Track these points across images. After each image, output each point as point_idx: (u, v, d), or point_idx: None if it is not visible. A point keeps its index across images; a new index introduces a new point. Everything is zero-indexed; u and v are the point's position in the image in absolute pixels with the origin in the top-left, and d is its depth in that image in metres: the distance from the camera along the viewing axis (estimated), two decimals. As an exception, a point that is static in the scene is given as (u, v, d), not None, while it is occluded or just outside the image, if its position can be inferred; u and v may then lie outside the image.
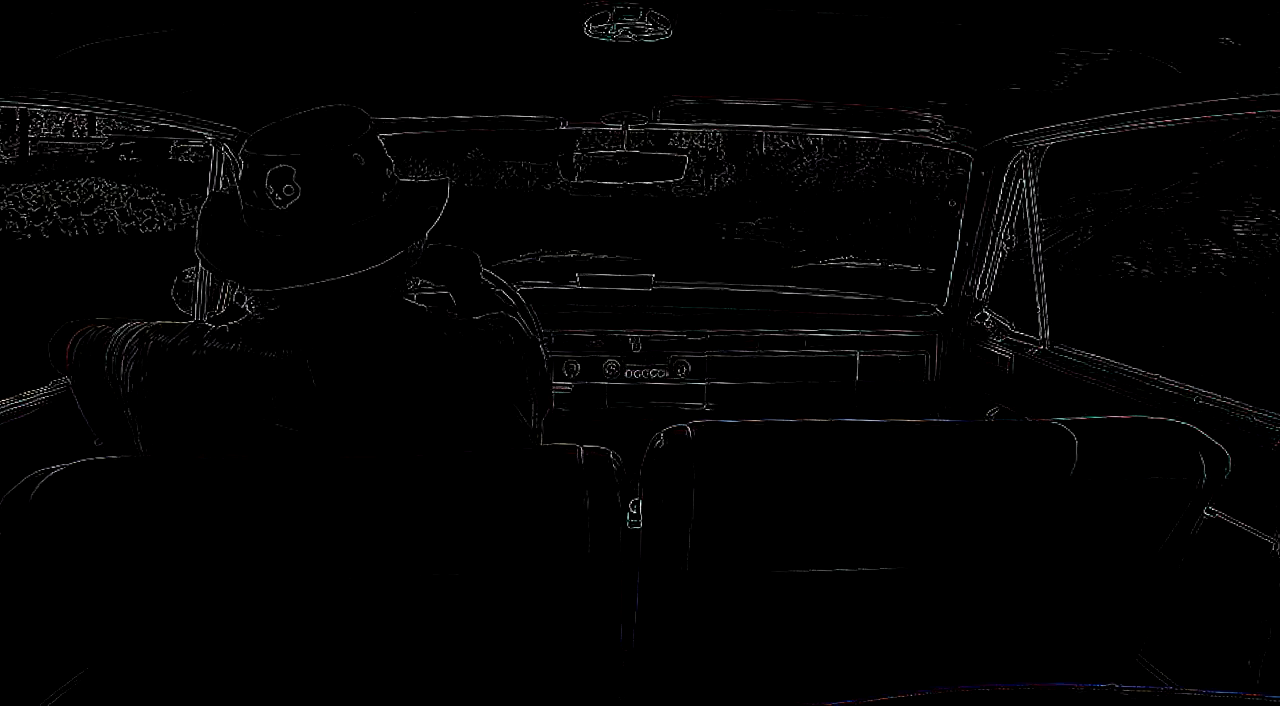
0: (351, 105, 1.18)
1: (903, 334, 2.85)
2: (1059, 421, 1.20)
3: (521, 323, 1.28)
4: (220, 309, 2.46)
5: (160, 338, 1.14)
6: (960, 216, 2.74)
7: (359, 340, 1.12)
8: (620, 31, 1.44)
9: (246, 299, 1.15)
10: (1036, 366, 2.37)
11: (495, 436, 1.17)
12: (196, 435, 1.11)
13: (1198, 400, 1.72)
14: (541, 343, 1.35)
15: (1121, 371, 2.01)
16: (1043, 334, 2.41)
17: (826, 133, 2.64)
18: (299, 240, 1.10)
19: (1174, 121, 1.74)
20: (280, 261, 1.10)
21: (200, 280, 2.39)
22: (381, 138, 1.20)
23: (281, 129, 1.11)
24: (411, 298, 1.26)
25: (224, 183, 2.36)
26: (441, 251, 1.64)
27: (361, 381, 1.11)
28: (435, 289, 2.65)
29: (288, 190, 1.08)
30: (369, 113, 1.19)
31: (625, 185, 2.55)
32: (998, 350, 2.60)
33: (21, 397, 1.66)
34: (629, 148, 2.48)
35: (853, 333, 2.83)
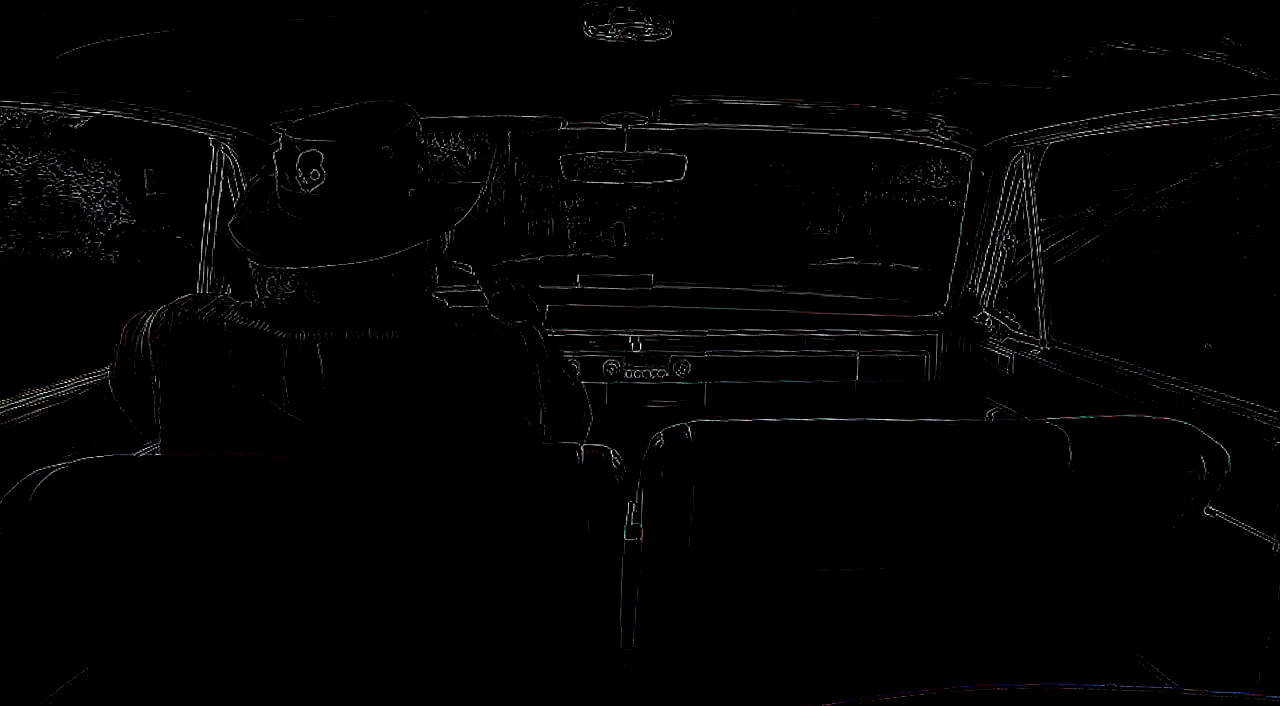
0: (399, 100, 1.21)
1: (903, 334, 2.85)
2: (1051, 421, 1.20)
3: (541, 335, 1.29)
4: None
5: (188, 308, 1.17)
6: (961, 217, 2.75)
7: (370, 330, 1.13)
8: (620, 32, 1.44)
9: (266, 281, 1.16)
10: (1036, 366, 2.38)
11: (499, 436, 1.18)
12: (208, 405, 1.13)
13: (1198, 399, 1.72)
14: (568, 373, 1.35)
15: (1122, 371, 2.01)
16: (1043, 334, 2.41)
17: (826, 133, 2.64)
18: (317, 224, 1.13)
19: (1174, 121, 1.75)
20: (293, 242, 1.12)
21: (199, 281, 2.39)
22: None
23: (322, 117, 1.15)
24: (439, 294, 1.27)
25: (224, 183, 2.36)
26: (514, 296, 1.62)
27: (368, 371, 1.12)
28: (467, 289, 2.67)
29: (314, 174, 1.12)
30: None
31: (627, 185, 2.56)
32: (998, 350, 2.60)
33: (21, 397, 1.67)
34: (629, 148, 2.49)
35: (853, 332, 2.83)
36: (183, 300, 1.20)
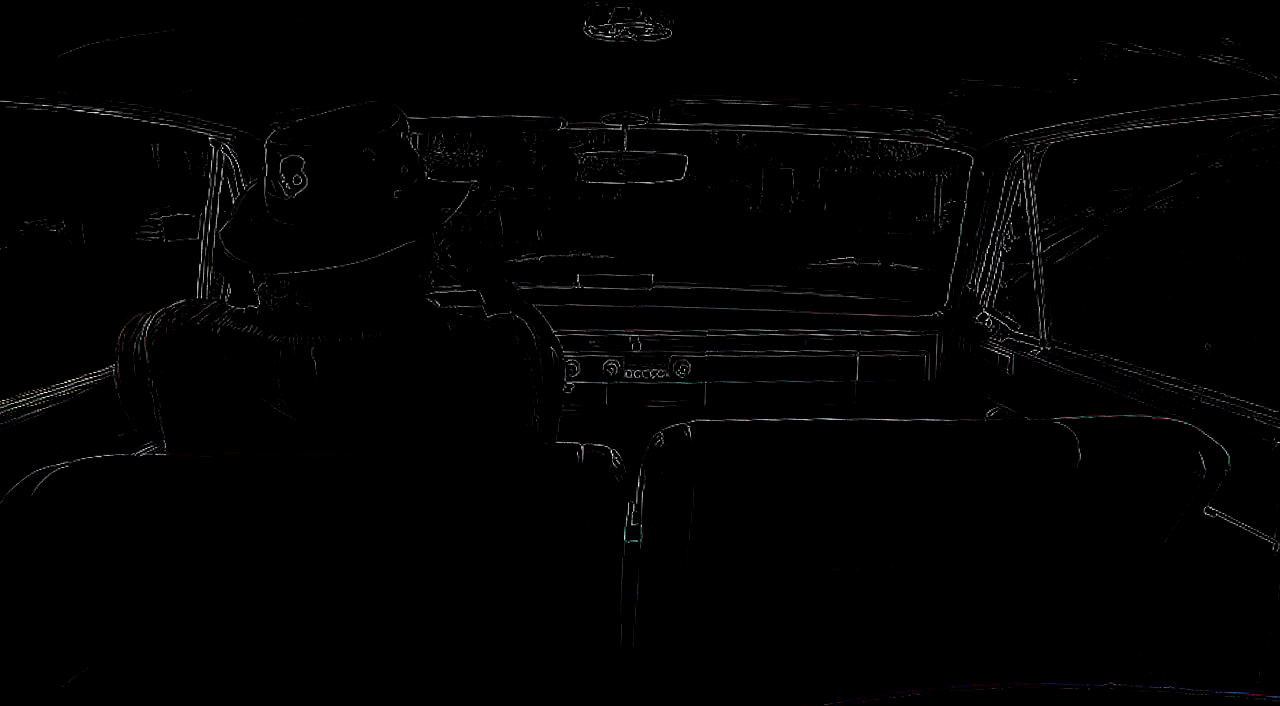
0: (385, 102, 1.21)
1: (903, 334, 2.85)
2: (1059, 421, 1.20)
3: (531, 326, 1.29)
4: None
5: (182, 313, 1.18)
6: (961, 217, 2.75)
7: (363, 332, 1.13)
8: (620, 32, 1.44)
9: (259, 286, 1.17)
10: (1036, 366, 2.38)
11: (496, 435, 1.18)
12: (206, 410, 1.14)
13: (1198, 399, 1.72)
14: (553, 347, 1.35)
15: (1121, 371, 2.01)
16: (1043, 334, 2.41)
17: (826, 133, 2.64)
18: (302, 229, 1.13)
19: (1174, 121, 1.75)
20: (280, 248, 1.13)
21: (199, 280, 2.39)
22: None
23: (305, 122, 1.15)
24: (432, 295, 1.28)
25: (224, 183, 2.36)
26: (507, 292, 1.66)
27: (362, 374, 1.12)
28: (466, 288, 2.68)
29: (296, 180, 1.12)
30: None
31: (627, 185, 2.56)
32: (998, 350, 2.60)
33: (21, 398, 1.67)
34: (629, 147, 2.49)
35: (853, 332, 2.83)
36: (177, 305, 1.20)
